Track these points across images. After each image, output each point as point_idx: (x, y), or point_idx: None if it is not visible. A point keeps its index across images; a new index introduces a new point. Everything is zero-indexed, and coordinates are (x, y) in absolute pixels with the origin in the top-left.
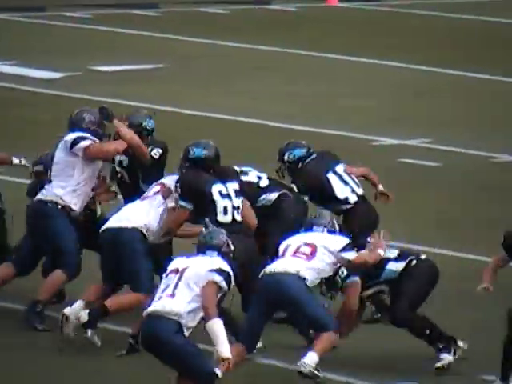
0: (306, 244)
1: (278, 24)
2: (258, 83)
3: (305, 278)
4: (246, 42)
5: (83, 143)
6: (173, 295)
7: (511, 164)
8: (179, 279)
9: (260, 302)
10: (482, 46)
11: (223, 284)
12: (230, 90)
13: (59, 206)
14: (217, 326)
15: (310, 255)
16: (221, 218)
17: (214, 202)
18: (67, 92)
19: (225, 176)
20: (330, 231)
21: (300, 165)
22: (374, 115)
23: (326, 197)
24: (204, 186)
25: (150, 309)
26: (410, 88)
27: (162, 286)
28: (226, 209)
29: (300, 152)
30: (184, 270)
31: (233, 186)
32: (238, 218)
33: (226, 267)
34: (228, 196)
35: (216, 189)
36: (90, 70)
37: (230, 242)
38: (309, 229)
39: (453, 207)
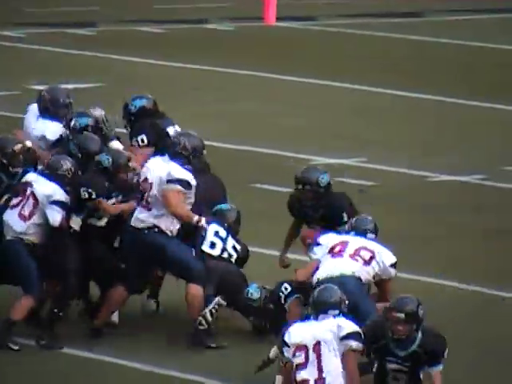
0: (367, 249)
1: (215, 43)
2: (192, 102)
3: (360, 278)
4: (182, 62)
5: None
6: None
7: (445, 183)
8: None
9: None
10: (418, 66)
11: None
12: (165, 109)
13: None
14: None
15: (367, 261)
16: None
17: None
18: (4, 111)
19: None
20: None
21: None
22: (308, 134)
23: (343, 222)
24: None
25: None
26: (346, 107)
27: None
28: None
29: (328, 177)
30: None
31: None
32: None
33: None
34: None
35: None
36: (27, 88)
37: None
38: (361, 233)
39: (389, 224)
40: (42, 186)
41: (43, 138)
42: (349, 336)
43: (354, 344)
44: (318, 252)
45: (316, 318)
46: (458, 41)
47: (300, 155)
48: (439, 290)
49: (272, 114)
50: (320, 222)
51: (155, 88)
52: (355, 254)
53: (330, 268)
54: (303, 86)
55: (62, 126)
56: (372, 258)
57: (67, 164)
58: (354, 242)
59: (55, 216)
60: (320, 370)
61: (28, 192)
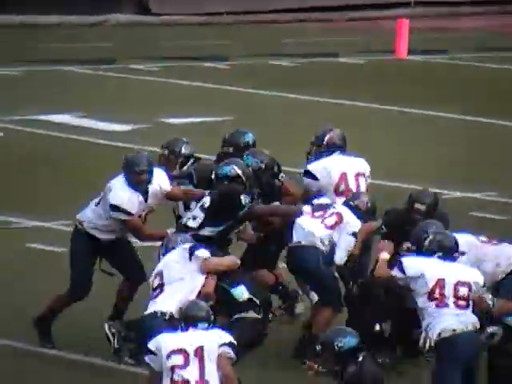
0: (463, 284)
1: (346, 77)
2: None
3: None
4: (314, 95)
5: None
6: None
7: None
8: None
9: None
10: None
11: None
12: (301, 139)
13: None
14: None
15: (468, 299)
16: None
17: None
18: (136, 144)
19: None
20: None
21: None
22: (450, 168)
23: None
24: None
25: None
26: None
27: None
28: None
29: None
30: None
31: None
32: None
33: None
34: None
35: None
36: (159, 122)
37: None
38: (448, 255)
39: None
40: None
41: None
42: (226, 344)
43: (232, 353)
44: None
45: (186, 330)
46: None
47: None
48: None
49: (401, 147)
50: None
51: (286, 120)
52: (457, 298)
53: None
54: (429, 118)
55: None
56: (470, 292)
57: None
58: (450, 277)
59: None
60: (202, 372)
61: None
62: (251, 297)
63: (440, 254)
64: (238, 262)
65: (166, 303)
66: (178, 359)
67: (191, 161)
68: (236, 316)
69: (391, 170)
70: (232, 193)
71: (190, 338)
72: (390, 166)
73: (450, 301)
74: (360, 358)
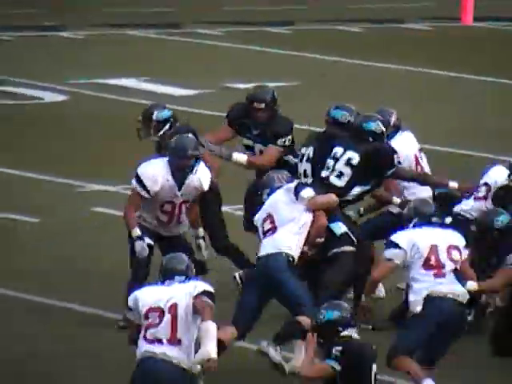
0: (454, 247)
1: (411, 43)
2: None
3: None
4: (377, 61)
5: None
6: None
7: None
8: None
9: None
10: None
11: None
12: (366, 108)
13: None
14: (212, 328)
15: (459, 261)
16: None
17: None
18: (199, 109)
19: None
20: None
21: None
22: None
23: None
24: None
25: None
26: None
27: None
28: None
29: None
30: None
31: None
32: None
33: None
34: None
35: None
36: (223, 87)
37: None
38: (429, 223)
39: None
40: None
41: None
42: (204, 293)
43: (209, 301)
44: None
45: (163, 283)
46: None
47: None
48: None
49: (471, 114)
50: None
51: (351, 88)
52: (451, 260)
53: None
54: (499, 86)
55: None
56: (461, 255)
57: None
58: (440, 241)
59: None
60: (174, 330)
61: None
62: (348, 231)
63: (416, 219)
64: (337, 199)
65: (285, 242)
66: (153, 318)
67: (167, 126)
68: (334, 250)
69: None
70: (387, 151)
71: (165, 294)
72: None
73: (447, 268)
74: (345, 333)
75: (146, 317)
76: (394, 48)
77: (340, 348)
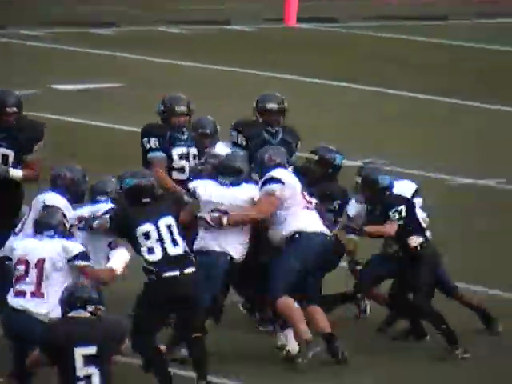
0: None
1: (235, 44)
2: (210, 101)
3: None
4: (202, 62)
5: None
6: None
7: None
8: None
9: None
10: (437, 69)
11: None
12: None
13: None
14: (121, 251)
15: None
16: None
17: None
18: (25, 110)
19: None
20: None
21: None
22: (321, 134)
23: None
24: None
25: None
26: (373, 110)
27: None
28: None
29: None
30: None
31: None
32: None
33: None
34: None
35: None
36: (49, 88)
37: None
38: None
39: None
40: None
41: None
42: (77, 257)
43: (83, 263)
44: None
45: (34, 236)
46: (479, 44)
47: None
48: None
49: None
50: None
51: (174, 88)
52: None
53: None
54: (320, 87)
55: None
56: None
57: None
58: None
59: None
60: (39, 284)
61: None
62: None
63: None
64: None
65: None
66: (21, 269)
67: None
68: None
69: None
70: None
71: (34, 248)
72: None
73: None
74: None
75: (15, 267)
76: (218, 49)
77: None
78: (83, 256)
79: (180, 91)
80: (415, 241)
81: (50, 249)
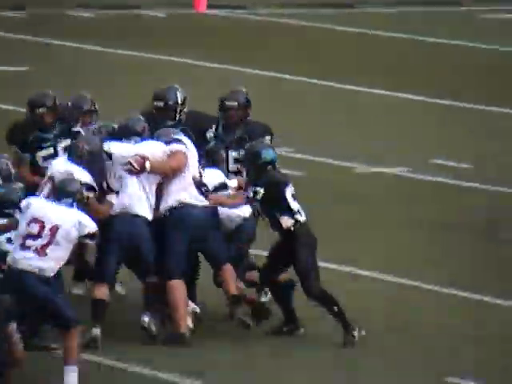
0: None
1: (145, 30)
2: (121, 87)
3: None
4: (112, 47)
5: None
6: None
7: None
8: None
9: None
10: (348, 57)
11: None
12: (95, 96)
13: None
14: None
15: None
16: None
17: None
18: None
19: None
20: None
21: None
22: None
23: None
24: None
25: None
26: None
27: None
28: None
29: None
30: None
31: None
32: None
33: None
34: None
35: None
36: None
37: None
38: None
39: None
40: None
41: None
42: (88, 236)
43: (91, 242)
44: None
45: (53, 201)
46: (390, 33)
47: None
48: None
49: (199, 98)
50: None
51: (84, 74)
52: None
53: None
54: (227, 73)
55: None
56: None
57: None
58: None
59: None
60: (46, 245)
61: None
62: None
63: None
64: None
65: None
66: (34, 228)
67: None
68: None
69: None
70: None
71: (51, 212)
72: None
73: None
74: None
75: (28, 224)
76: (128, 34)
77: None
78: (92, 237)
79: (91, 77)
80: (285, 221)
81: (67, 219)
